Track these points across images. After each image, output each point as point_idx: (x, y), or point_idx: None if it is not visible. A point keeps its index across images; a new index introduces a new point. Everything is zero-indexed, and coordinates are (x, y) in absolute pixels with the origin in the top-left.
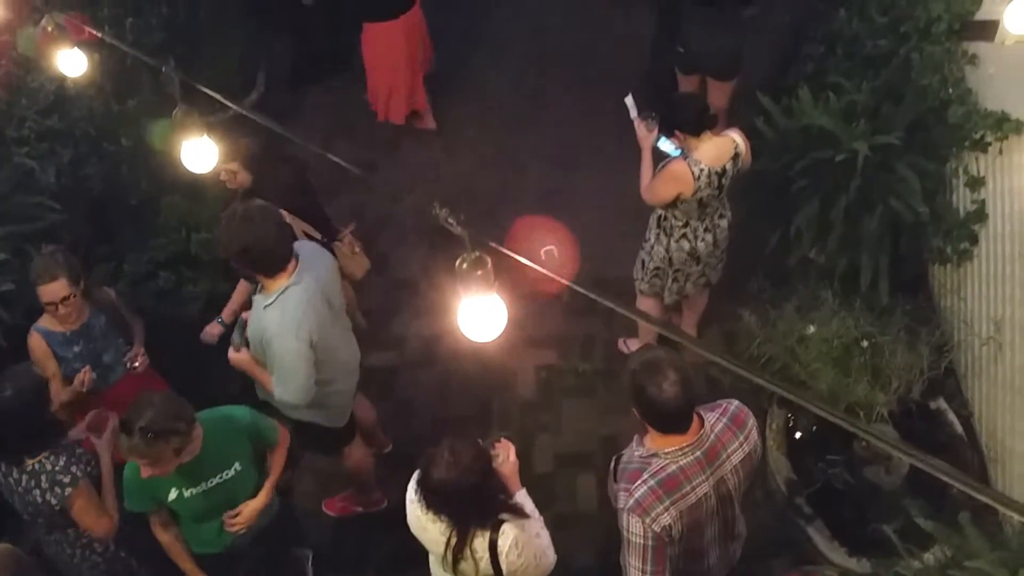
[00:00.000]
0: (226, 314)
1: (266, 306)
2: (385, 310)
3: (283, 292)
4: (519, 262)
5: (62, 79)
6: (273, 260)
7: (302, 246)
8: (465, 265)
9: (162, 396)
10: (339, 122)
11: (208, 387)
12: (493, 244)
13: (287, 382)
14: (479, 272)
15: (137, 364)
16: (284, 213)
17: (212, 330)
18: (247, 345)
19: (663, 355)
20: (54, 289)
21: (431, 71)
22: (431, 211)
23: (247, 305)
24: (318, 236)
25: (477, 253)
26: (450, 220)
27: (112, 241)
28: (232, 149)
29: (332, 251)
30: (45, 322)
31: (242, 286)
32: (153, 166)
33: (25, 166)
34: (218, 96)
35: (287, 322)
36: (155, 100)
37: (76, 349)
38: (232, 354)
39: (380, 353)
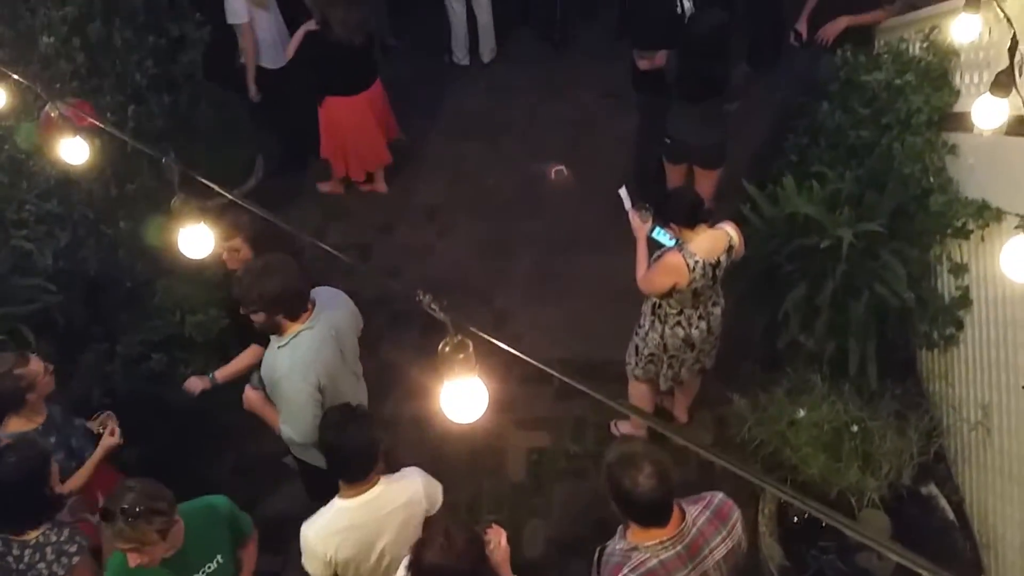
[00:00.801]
0: (220, 374)
1: (280, 346)
2: (377, 392)
3: (297, 335)
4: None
5: (64, 164)
6: (302, 302)
7: (319, 291)
8: (447, 349)
9: (140, 480)
10: (336, 206)
11: (198, 469)
12: (474, 329)
13: (293, 421)
14: (461, 356)
15: (106, 428)
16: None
17: (198, 383)
18: (263, 386)
19: (640, 447)
20: None
21: (400, 141)
22: (416, 297)
23: (244, 372)
24: None
25: (459, 337)
26: (432, 306)
27: (106, 323)
28: (235, 227)
29: None
30: (14, 426)
31: (251, 351)
32: (150, 249)
33: (23, 249)
34: (214, 186)
35: (297, 364)
36: (155, 185)
37: (52, 440)
38: (247, 392)
39: None
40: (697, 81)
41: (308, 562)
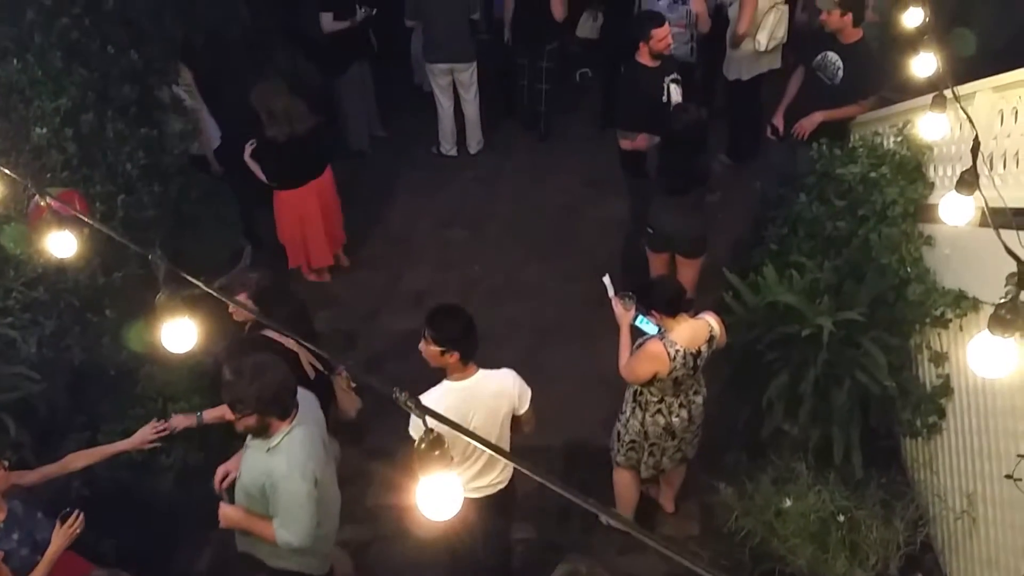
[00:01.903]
0: (209, 415)
1: (270, 449)
2: (360, 480)
3: (288, 434)
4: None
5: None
6: (294, 400)
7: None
8: (423, 445)
9: (110, 571)
10: (324, 292)
11: (177, 562)
12: (452, 425)
13: (294, 523)
14: (437, 452)
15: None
16: (291, 342)
17: (183, 420)
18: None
19: (584, 568)
20: None
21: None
22: (391, 395)
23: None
24: (320, 367)
25: (435, 433)
26: (409, 403)
27: (88, 411)
28: (241, 284)
29: (331, 383)
30: None
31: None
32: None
33: (7, 336)
34: (199, 283)
35: (295, 463)
36: (141, 273)
37: (15, 537)
38: (225, 510)
39: (354, 526)
40: (678, 173)
41: (414, 428)
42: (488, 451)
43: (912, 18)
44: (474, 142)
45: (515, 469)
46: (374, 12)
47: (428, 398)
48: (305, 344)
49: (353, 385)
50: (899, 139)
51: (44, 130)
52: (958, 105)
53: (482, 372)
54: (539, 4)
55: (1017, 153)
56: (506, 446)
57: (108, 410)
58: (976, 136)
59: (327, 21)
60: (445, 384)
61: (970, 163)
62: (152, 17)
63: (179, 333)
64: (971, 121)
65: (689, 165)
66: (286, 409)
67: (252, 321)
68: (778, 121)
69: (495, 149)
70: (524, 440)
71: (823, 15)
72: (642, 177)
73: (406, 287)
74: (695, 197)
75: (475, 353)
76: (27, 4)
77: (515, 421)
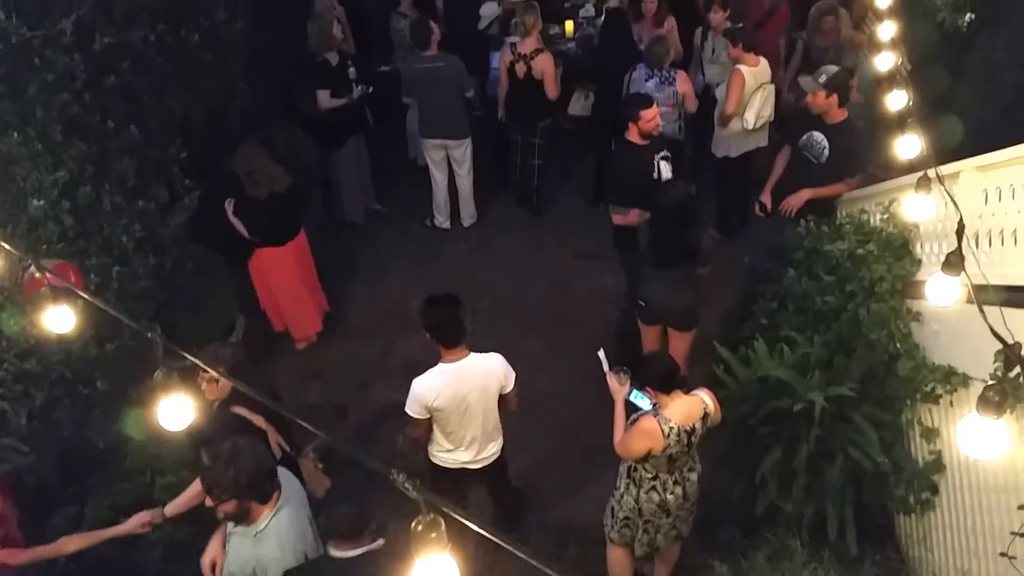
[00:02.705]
0: (170, 509)
1: (257, 533)
2: None
3: (275, 516)
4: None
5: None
6: (273, 484)
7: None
8: (419, 528)
9: None
10: (316, 362)
11: None
12: (447, 508)
13: None
14: (433, 535)
15: None
16: (261, 420)
17: (145, 517)
18: None
19: None
20: None
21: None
22: (389, 475)
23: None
24: (287, 448)
25: (432, 516)
26: (407, 485)
27: (77, 484)
28: (214, 356)
29: (297, 464)
30: None
31: (196, 485)
32: (124, 410)
33: None
34: (199, 363)
35: (286, 543)
36: (133, 345)
37: None
38: None
39: None
40: (669, 248)
41: (412, 405)
42: (478, 431)
43: (896, 100)
44: (467, 215)
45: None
46: (370, 89)
47: (424, 378)
48: (289, 417)
49: (320, 466)
50: (885, 217)
51: (41, 202)
52: (943, 188)
53: (473, 355)
54: (532, 84)
55: (1002, 231)
56: (495, 421)
57: (97, 483)
58: (961, 219)
59: (324, 98)
60: (439, 366)
61: (956, 243)
62: (153, 93)
63: (176, 410)
64: (955, 204)
65: (679, 240)
66: (265, 493)
67: (221, 399)
68: (766, 198)
69: (488, 222)
70: (513, 517)
71: (808, 97)
72: (633, 251)
73: (399, 358)
74: (685, 271)
75: (460, 339)
76: (30, 79)
77: (502, 399)
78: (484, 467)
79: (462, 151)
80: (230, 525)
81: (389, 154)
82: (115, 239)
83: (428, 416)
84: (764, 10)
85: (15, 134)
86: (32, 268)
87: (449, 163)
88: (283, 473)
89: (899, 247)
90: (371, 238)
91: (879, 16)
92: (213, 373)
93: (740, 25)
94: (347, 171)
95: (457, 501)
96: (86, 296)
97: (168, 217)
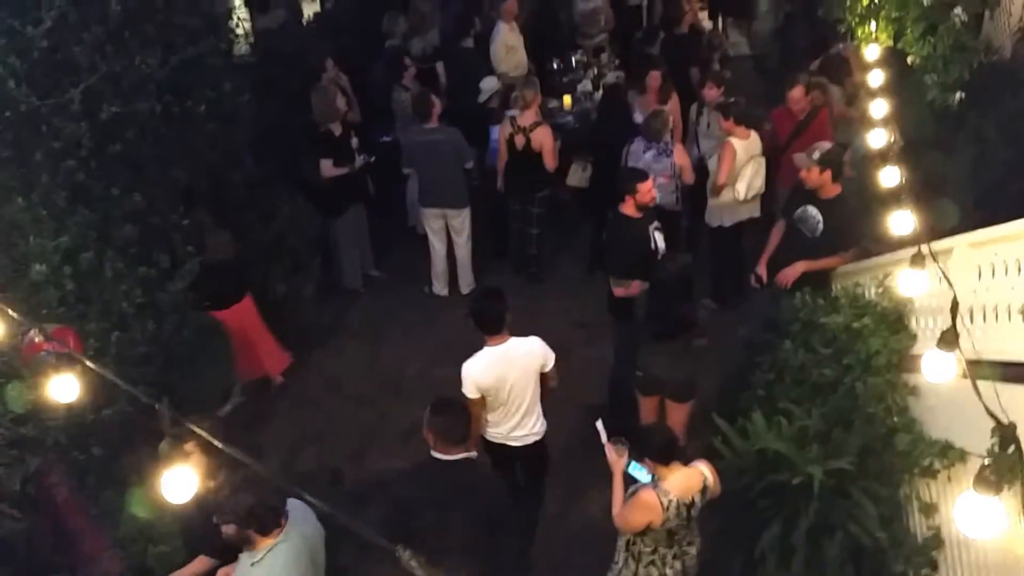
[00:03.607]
0: None
1: (253, 563)
2: None
3: (272, 549)
4: None
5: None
6: (274, 519)
7: (292, 504)
8: None
9: None
10: (311, 426)
11: None
12: None
13: None
14: None
15: None
16: None
17: None
18: None
19: None
20: None
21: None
22: (394, 552)
23: None
24: None
25: None
26: (412, 563)
27: (70, 552)
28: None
29: None
30: None
31: (199, 561)
32: (118, 477)
33: None
34: (207, 435)
35: None
36: (130, 411)
37: None
38: None
39: None
40: (666, 319)
41: (467, 387)
42: (522, 406)
43: (889, 177)
44: (465, 283)
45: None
46: (372, 159)
47: (473, 362)
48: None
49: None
50: (880, 291)
51: (43, 267)
52: (937, 265)
53: (514, 339)
54: (531, 155)
55: (996, 307)
56: (537, 397)
57: (88, 552)
58: (955, 297)
59: (327, 167)
60: (485, 349)
61: (950, 320)
62: (157, 161)
63: (179, 482)
64: (949, 282)
65: (676, 311)
66: (265, 525)
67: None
68: (761, 270)
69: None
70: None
71: (803, 172)
72: (630, 321)
73: (395, 425)
74: (682, 342)
75: (501, 327)
76: (36, 146)
77: (543, 377)
78: (524, 445)
79: (461, 220)
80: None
81: (389, 222)
82: (115, 304)
83: (481, 395)
84: (798, 121)
85: (20, 199)
86: (32, 332)
87: (448, 232)
88: (301, 509)
89: (895, 321)
90: (369, 304)
91: (871, 94)
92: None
93: (732, 100)
94: (347, 238)
95: (503, 475)
96: (86, 362)
97: (168, 283)
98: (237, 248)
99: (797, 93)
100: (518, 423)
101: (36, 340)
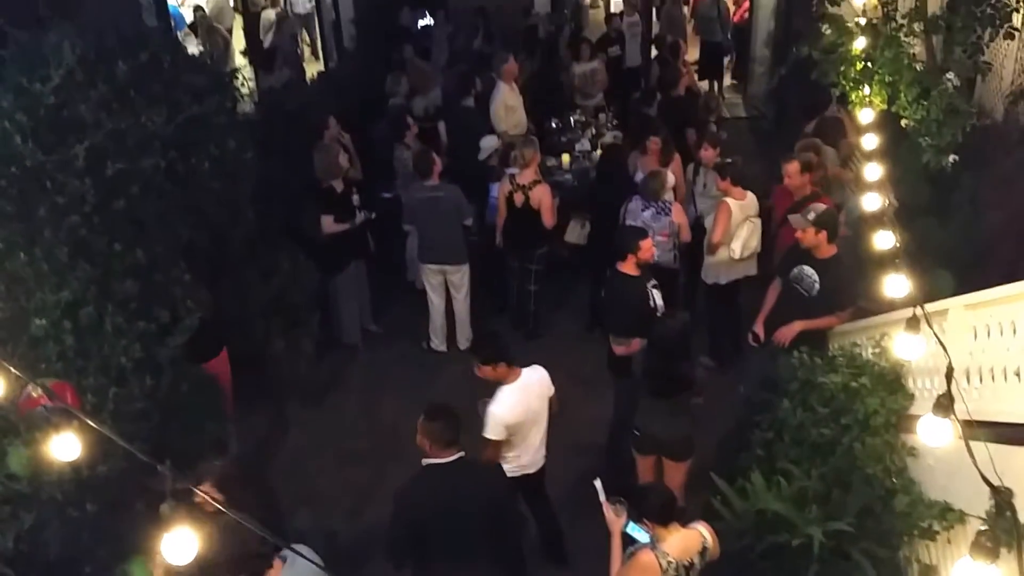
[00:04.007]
0: None
1: None
2: None
3: None
4: None
5: (39, 443)
6: (259, 564)
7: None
8: None
9: None
10: (304, 488)
11: None
12: None
13: None
14: None
15: None
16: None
17: None
18: None
19: None
20: None
21: None
22: None
23: None
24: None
25: None
26: None
27: None
28: (206, 470)
29: None
30: None
31: None
32: (113, 532)
33: None
34: (211, 499)
35: None
36: (126, 467)
37: None
38: None
39: None
40: (664, 378)
41: (495, 430)
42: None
43: (883, 240)
44: (463, 339)
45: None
46: (373, 216)
47: (500, 405)
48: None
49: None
50: (877, 351)
51: (43, 321)
52: (932, 330)
53: (525, 370)
54: (530, 213)
55: (992, 369)
56: (547, 423)
57: None
58: (949, 363)
59: (327, 223)
60: (506, 389)
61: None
62: (160, 218)
63: (180, 544)
64: (944, 347)
65: (674, 369)
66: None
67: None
68: (758, 329)
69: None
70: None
71: (798, 232)
72: (630, 378)
73: (392, 483)
74: (680, 400)
75: (512, 360)
76: (40, 201)
77: (549, 403)
78: (537, 470)
79: (460, 276)
80: None
81: (388, 277)
82: (114, 359)
83: (506, 435)
84: (795, 202)
85: (22, 254)
86: (29, 387)
87: (447, 287)
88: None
89: (892, 381)
90: (367, 360)
91: (865, 156)
92: (215, 504)
93: (729, 160)
94: (346, 294)
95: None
96: (84, 418)
97: (168, 338)
98: (214, 306)
99: (792, 168)
100: (536, 450)
101: (33, 395)
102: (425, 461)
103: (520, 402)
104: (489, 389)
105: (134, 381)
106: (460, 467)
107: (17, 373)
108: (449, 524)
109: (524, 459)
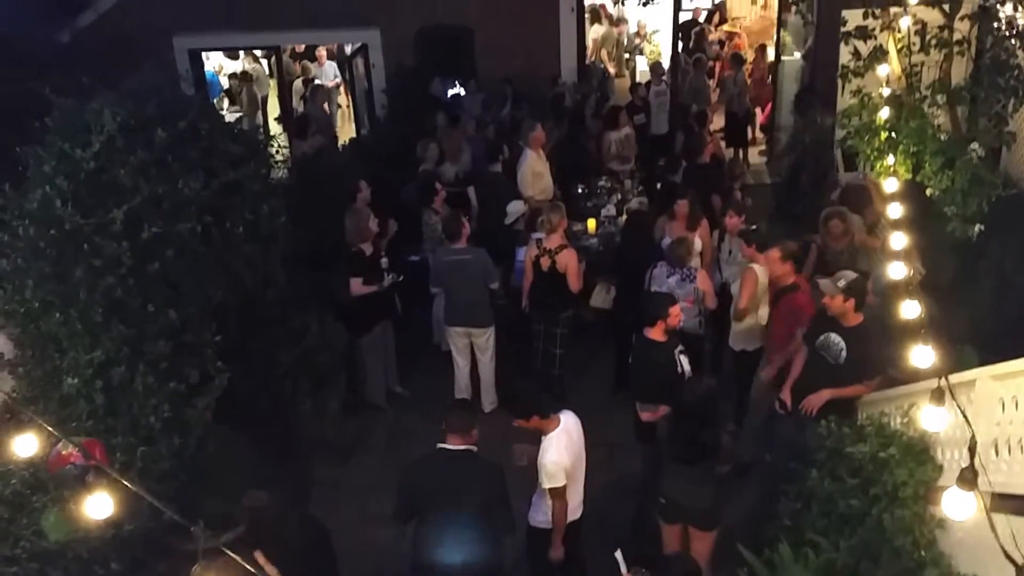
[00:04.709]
0: None
1: None
2: None
3: None
4: None
5: (66, 500)
6: None
7: None
8: None
9: None
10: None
11: None
12: None
13: None
14: None
15: None
16: (274, 571)
17: None
18: None
19: None
20: None
21: None
22: None
23: None
24: None
25: None
26: None
27: None
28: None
29: None
30: None
31: None
32: None
33: None
34: (239, 559)
35: None
36: (151, 526)
37: None
38: None
39: None
40: (689, 444)
41: (552, 477)
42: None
43: (909, 310)
44: (488, 401)
45: None
46: (400, 279)
47: (551, 453)
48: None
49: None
50: (905, 420)
51: (76, 380)
52: (956, 404)
53: (562, 416)
54: (556, 277)
55: (1020, 440)
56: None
57: None
58: (973, 436)
59: (356, 285)
60: (551, 436)
61: (983, 442)
62: (194, 280)
63: None
64: (967, 420)
65: (700, 436)
66: None
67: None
68: (786, 396)
69: (507, 407)
70: None
71: (825, 299)
72: (655, 444)
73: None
74: (706, 468)
75: (549, 407)
76: (77, 262)
77: None
78: (577, 518)
79: (485, 339)
80: None
81: (414, 339)
82: (143, 419)
83: (565, 480)
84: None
85: (57, 314)
86: (59, 445)
87: (472, 350)
88: None
89: (920, 452)
90: (392, 421)
91: (891, 225)
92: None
93: (754, 227)
94: (373, 355)
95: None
96: (119, 478)
97: (197, 399)
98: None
99: (773, 255)
100: (580, 491)
101: (63, 453)
102: (439, 445)
103: (569, 446)
104: (518, 437)
105: (162, 441)
106: (464, 457)
107: (50, 429)
108: (443, 502)
109: (574, 502)
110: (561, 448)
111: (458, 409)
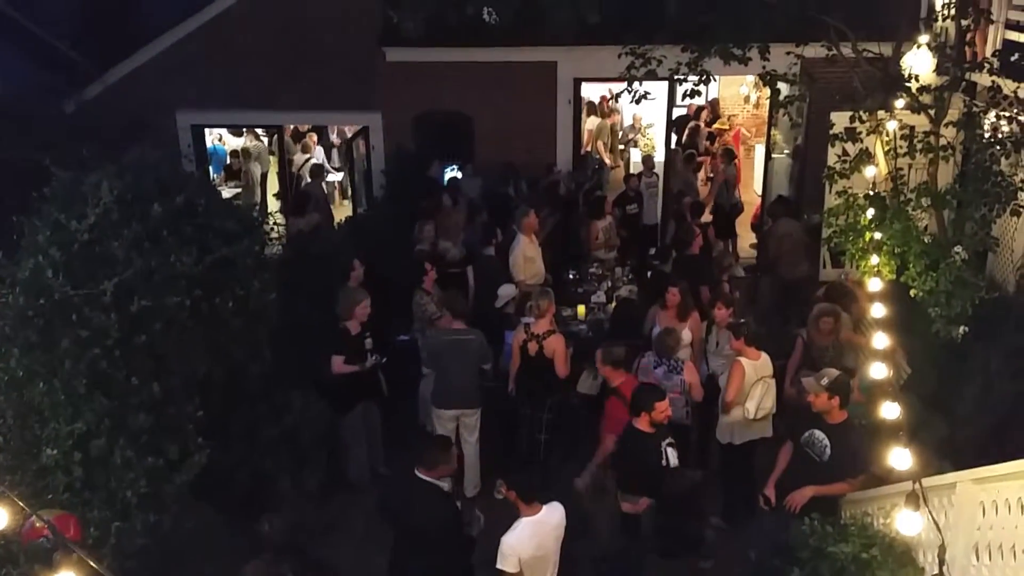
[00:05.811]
0: None
1: None
2: None
3: None
4: None
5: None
6: None
7: None
8: None
9: None
10: None
11: None
12: None
13: None
14: None
15: None
16: None
17: None
18: None
19: None
20: None
21: None
22: None
23: None
24: None
25: None
26: None
27: None
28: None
29: None
30: None
31: None
32: None
33: None
34: None
35: None
36: None
37: None
38: None
39: None
40: (673, 537)
41: (505, 559)
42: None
43: (889, 411)
44: (471, 485)
45: None
46: (384, 360)
47: (513, 535)
48: None
49: None
50: (887, 521)
51: (55, 451)
52: (927, 510)
53: (546, 507)
54: (543, 362)
55: (1001, 545)
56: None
57: None
58: (943, 543)
59: (337, 363)
60: (523, 520)
61: (959, 558)
62: (180, 353)
63: None
64: (938, 526)
65: (684, 529)
66: None
67: None
68: (770, 492)
69: (492, 493)
70: None
71: (811, 396)
72: (637, 539)
73: None
74: (690, 562)
75: (534, 494)
76: (64, 333)
77: None
78: None
79: (474, 420)
80: None
81: (400, 419)
82: (120, 493)
83: (517, 570)
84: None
85: (42, 384)
86: (33, 518)
87: (458, 432)
88: None
89: (901, 554)
90: (373, 503)
91: (875, 325)
92: None
93: (743, 321)
94: (354, 434)
95: None
96: (85, 557)
97: (175, 474)
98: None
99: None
100: None
101: (37, 525)
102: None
103: (535, 536)
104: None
105: (137, 517)
106: (426, 487)
107: (22, 505)
108: (404, 524)
109: None
110: (524, 536)
111: (432, 444)
